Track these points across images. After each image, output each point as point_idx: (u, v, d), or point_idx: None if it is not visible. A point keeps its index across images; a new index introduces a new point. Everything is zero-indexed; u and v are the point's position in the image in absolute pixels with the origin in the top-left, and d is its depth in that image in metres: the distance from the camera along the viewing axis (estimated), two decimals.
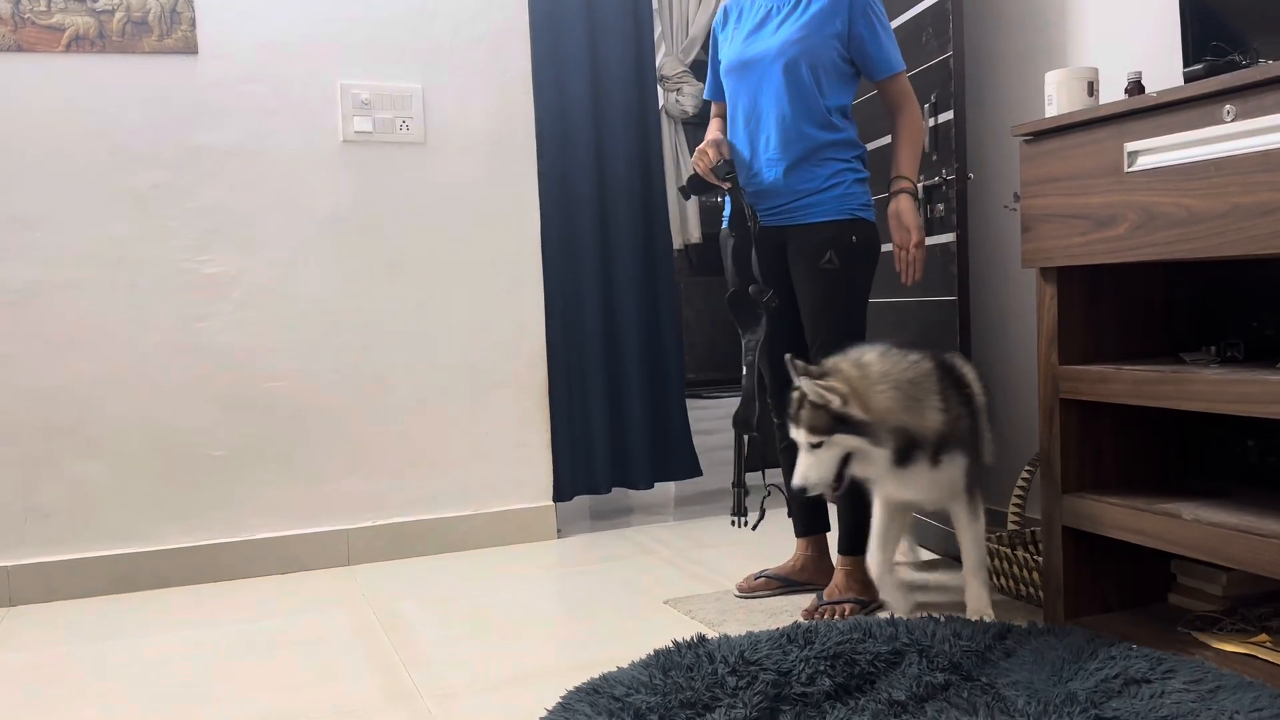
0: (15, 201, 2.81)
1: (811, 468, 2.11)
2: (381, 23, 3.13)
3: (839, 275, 2.40)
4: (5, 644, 2.49)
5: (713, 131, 2.62)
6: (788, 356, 2.15)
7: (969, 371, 2.30)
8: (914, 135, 2.48)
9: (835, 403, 2.07)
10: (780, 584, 2.64)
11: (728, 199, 2.53)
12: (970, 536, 2.28)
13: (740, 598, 2.61)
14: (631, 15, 3.67)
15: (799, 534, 2.69)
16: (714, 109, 2.69)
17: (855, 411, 2.07)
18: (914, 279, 2.48)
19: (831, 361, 2.16)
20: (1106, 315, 2.23)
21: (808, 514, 2.64)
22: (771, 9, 2.46)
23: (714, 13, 3.94)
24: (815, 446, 2.10)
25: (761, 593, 2.63)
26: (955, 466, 2.20)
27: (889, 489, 2.24)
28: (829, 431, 2.08)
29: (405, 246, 3.19)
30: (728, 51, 2.54)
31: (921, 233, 2.45)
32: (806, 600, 2.52)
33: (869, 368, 2.13)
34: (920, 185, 2.89)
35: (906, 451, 2.12)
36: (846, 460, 2.12)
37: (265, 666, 2.25)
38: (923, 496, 2.26)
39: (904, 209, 2.44)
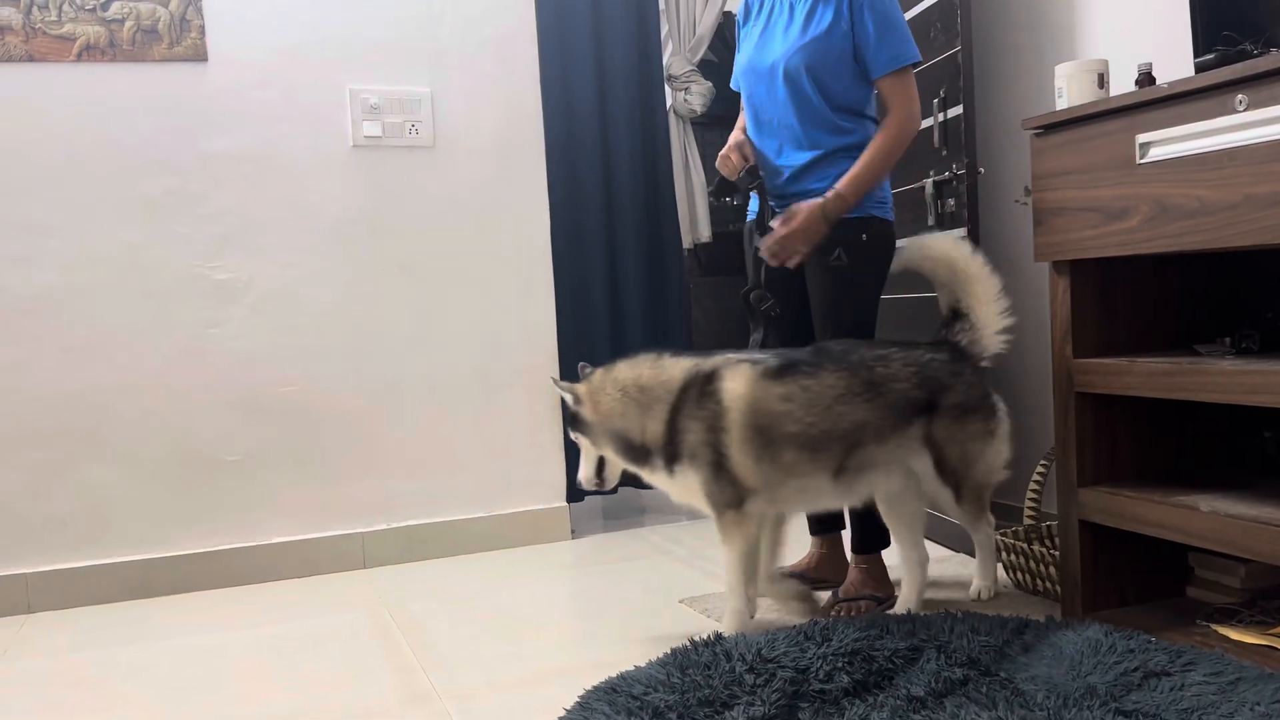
0: (29, 209, 2.83)
1: (582, 463, 2.35)
2: (389, 27, 3.14)
3: (848, 273, 2.37)
4: (25, 650, 2.50)
5: (737, 131, 2.58)
6: (581, 364, 2.37)
7: (731, 387, 2.16)
8: (879, 151, 2.32)
9: (570, 402, 2.29)
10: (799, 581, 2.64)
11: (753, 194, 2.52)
12: (725, 560, 2.24)
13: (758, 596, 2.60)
14: (637, 15, 3.67)
15: (814, 533, 2.69)
16: (743, 99, 2.64)
17: (584, 412, 2.28)
18: (779, 261, 2.38)
19: (602, 366, 2.33)
20: (1120, 308, 2.22)
21: (821, 513, 2.63)
22: (784, 8, 2.42)
23: (720, 11, 3.95)
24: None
25: None
26: (686, 479, 2.20)
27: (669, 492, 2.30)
28: (573, 429, 2.32)
29: (416, 250, 3.20)
30: (742, 53, 2.52)
31: (796, 236, 2.31)
32: (823, 598, 2.51)
33: (613, 373, 2.28)
34: (931, 180, 2.89)
35: (639, 455, 2.24)
36: (604, 458, 2.32)
37: (283, 670, 2.26)
38: (686, 503, 2.28)
39: (801, 211, 2.30)
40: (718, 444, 2.15)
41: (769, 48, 2.43)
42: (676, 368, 2.23)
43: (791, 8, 2.41)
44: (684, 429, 2.17)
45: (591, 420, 2.27)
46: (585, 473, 2.35)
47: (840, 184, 2.31)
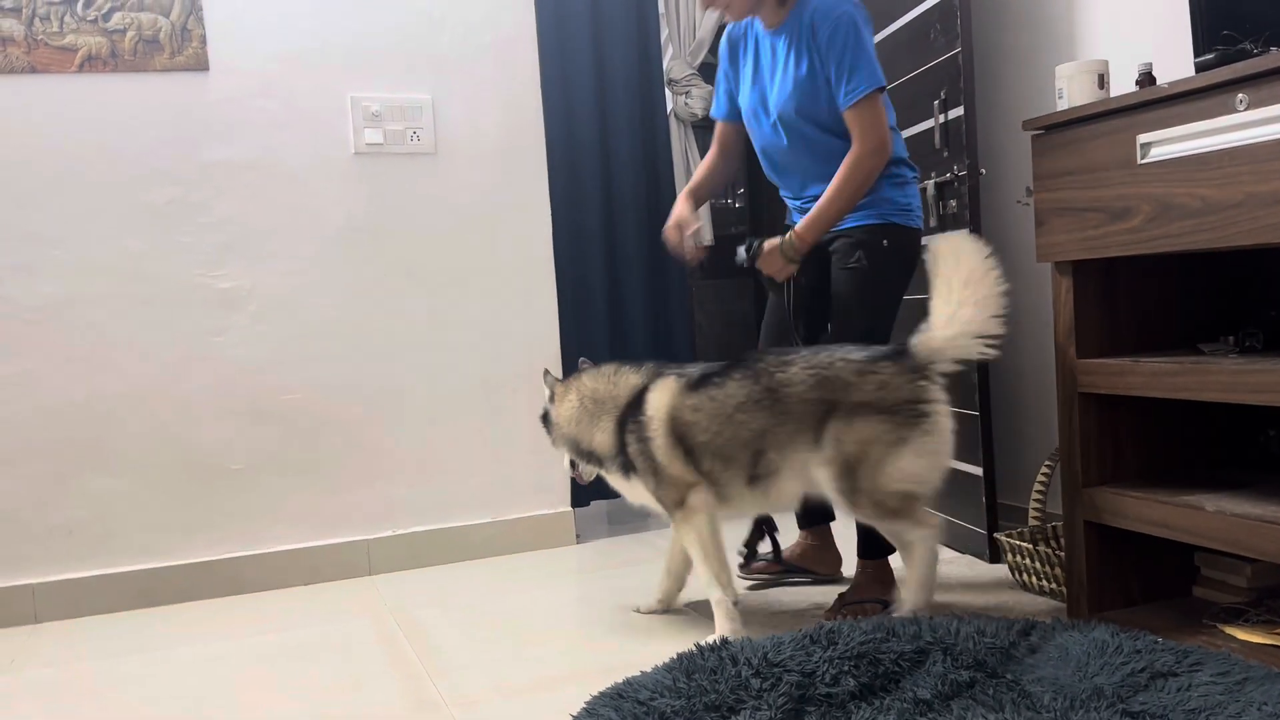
0: (33, 219, 2.83)
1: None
2: (390, 34, 3.15)
3: (867, 276, 2.36)
4: (32, 660, 2.50)
5: (682, 205, 2.52)
6: (581, 359, 2.54)
7: (654, 399, 2.27)
8: (839, 188, 2.28)
9: (545, 397, 2.52)
10: (782, 569, 2.68)
11: (793, 214, 2.53)
12: (694, 558, 2.30)
13: (743, 579, 2.67)
14: (637, 18, 3.68)
15: (800, 526, 2.71)
16: (717, 132, 2.60)
17: (552, 413, 2.49)
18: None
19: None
20: (1123, 308, 2.22)
21: (805, 509, 2.60)
22: (769, 49, 2.40)
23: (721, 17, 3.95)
24: None
25: (763, 575, 2.68)
26: (637, 485, 2.34)
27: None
28: (542, 424, 2.54)
29: (418, 256, 3.20)
30: (741, 94, 2.50)
31: (763, 265, 2.41)
32: (821, 596, 2.52)
33: (579, 380, 2.45)
34: (933, 181, 2.89)
35: (590, 459, 2.43)
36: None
37: (288, 678, 2.26)
38: (641, 504, 2.41)
39: (766, 247, 2.38)
40: (648, 453, 2.26)
41: (765, 94, 2.42)
42: (626, 384, 2.35)
43: (774, 48, 2.39)
44: (626, 441, 2.30)
45: (555, 421, 2.48)
46: (565, 462, 2.56)
47: (800, 225, 2.35)
